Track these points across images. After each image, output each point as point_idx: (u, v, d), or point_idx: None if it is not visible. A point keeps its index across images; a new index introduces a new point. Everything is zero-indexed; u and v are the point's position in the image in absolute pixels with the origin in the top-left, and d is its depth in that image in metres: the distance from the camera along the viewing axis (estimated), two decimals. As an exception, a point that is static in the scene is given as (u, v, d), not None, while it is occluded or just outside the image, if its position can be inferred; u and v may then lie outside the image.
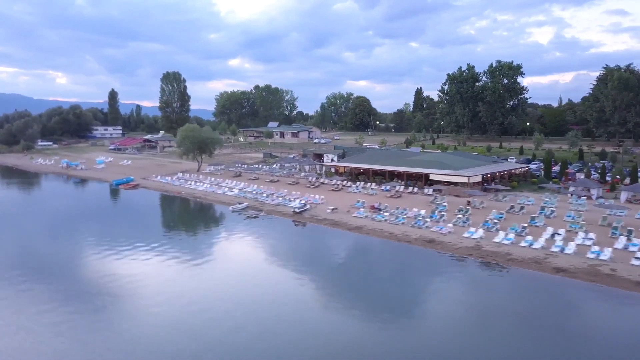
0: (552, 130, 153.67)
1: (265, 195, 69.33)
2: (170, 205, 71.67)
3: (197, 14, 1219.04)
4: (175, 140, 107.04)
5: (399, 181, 72.41)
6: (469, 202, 58.54)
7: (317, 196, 65.71)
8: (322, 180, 77.42)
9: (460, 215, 53.50)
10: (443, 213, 54.91)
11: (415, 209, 56.59)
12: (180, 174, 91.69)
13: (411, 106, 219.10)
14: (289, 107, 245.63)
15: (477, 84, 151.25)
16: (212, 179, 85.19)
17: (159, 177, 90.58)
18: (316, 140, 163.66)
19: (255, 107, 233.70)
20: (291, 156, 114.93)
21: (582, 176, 77.72)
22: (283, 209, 61.52)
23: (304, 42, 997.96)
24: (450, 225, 49.91)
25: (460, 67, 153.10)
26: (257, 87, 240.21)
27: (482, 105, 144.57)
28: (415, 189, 67.98)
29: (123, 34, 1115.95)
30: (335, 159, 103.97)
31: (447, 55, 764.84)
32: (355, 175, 78.85)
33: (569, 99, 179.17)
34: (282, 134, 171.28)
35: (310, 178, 77.16)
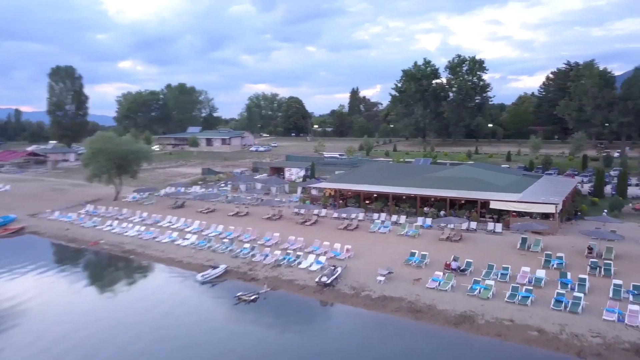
0: (515, 132, 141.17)
1: (247, 245, 43.25)
2: (82, 277, 43.05)
3: (82, 12, 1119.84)
4: (81, 156, 75.40)
5: (436, 210, 49.99)
6: (590, 249, 37.41)
7: (337, 245, 41.13)
8: (321, 212, 52.62)
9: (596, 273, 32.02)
10: (564, 272, 33.15)
11: (526, 269, 34.33)
12: (89, 207, 61.88)
13: (346, 107, 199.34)
14: (207, 109, 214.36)
15: (435, 81, 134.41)
16: (143, 214, 56.82)
17: (56, 212, 60.15)
18: (252, 148, 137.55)
19: (168, 109, 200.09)
20: (238, 171, 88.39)
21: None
22: (294, 275, 36.35)
23: (199, 45, 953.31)
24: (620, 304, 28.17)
25: (415, 62, 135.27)
26: (169, 86, 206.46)
27: (446, 105, 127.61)
28: (473, 225, 45.73)
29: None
30: (302, 173, 79.55)
31: (342, 59, 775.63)
32: (363, 202, 55.04)
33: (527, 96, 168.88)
34: (209, 141, 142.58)
35: (304, 210, 51.94)
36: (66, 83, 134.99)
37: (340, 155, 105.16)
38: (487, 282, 32.42)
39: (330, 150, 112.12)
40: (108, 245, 47.22)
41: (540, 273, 33.55)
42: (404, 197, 52.46)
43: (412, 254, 38.29)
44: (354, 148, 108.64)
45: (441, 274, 34.14)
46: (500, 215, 47.82)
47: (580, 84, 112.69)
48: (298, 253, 39.93)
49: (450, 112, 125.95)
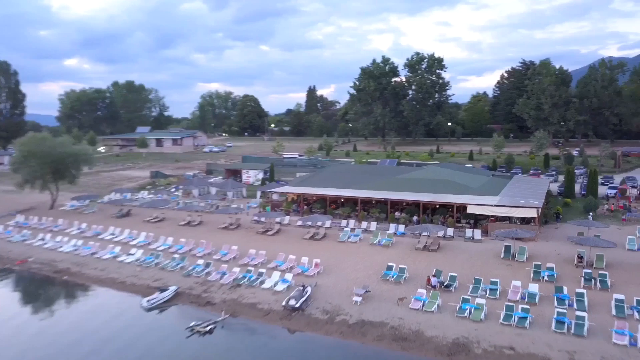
0: (473, 131, 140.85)
1: (200, 261, 37.88)
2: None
3: (22, 7, 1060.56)
4: (10, 159, 67.37)
5: (408, 216, 46.25)
6: (580, 257, 34.42)
7: (304, 259, 36.47)
8: (284, 220, 47.76)
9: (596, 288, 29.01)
10: (560, 286, 29.90)
11: (517, 283, 30.79)
12: (20, 217, 54.57)
13: (303, 106, 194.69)
14: (157, 108, 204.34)
15: (394, 79, 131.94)
16: (82, 225, 50.26)
17: (-21, 225, 52.63)
18: (206, 149, 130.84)
19: (115, 108, 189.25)
20: (190, 174, 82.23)
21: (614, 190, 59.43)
22: (256, 298, 31.44)
23: (150, 43, 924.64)
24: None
25: (374, 60, 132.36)
26: (115, 84, 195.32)
27: (406, 104, 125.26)
28: (450, 232, 42.12)
29: None
30: (261, 176, 74.49)
31: (296, 59, 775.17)
32: (330, 207, 50.62)
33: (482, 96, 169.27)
34: (159, 142, 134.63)
35: (265, 218, 46.87)
36: (0, 80, 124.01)
37: (300, 155, 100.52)
38: (478, 300, 28.65)
39: (289, 151, 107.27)
40: (37, 264, 40.71)
41: (533, 287, 30.15)
42: (374, 202, 48.40)
43: (389, 268, 34.17)
44: (314, 148, 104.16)
45: (425, 291, 30.13)
46: (476, 220, 44.65)
47: (538, 82, 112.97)
48: (260, 270, 34.99)
49: (410, 110, 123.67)
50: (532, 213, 41.21)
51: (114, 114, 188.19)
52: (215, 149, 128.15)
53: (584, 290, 29.23)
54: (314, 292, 31.17)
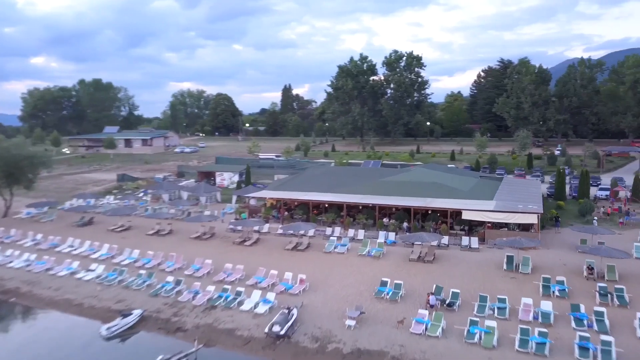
0: (452, 130, 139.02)
1: (170, 278, 33.52)
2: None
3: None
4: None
5: (398, 222, 42.87)
6: (590, 269, 31.49)
7: (288, 274, 32.56)
8: (263, 228, 43.73)
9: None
10: (576, 304, 26.87)
11: (527, 300, 27.55)
12: (-33, 227, 49.02)
13: (279, 105, 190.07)
14: (126, 107, 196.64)
15: (372, 77, 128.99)
16: (37, 235, 45.18)
17: None
18: (177, 150, 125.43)
19: (81, 107, 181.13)
20: (160, 177, 77.26)
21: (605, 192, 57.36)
22: (234, 322, 27.41)
23: (120, 41, 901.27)
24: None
25: (352, 58, 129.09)
26: (82, 82, 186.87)
27: (384, 103, 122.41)
28: (445, 241, 38.77)
29: None
30: (236, 178, 70.17)
31: (270, 58, 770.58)
32: (313, 213, 46.76)
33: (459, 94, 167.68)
34: (128, 142, 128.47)
35: (243, 226, 42.70)
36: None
37: (277, 156, 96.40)
38: (487, 322, 25.27)
39: (266, 151, 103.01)
40: (-18, 283, 35.68)
41: (546, 305, 26.96)
42: (361, 207, 44.83)
43: (383, 284, 30.60)
44: (292, 148, 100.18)
45: (426, 312, 26.63)
46: (470, 227, 41.58)
47: (518, 80, 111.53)
48: (238, 288, 30.92)
49: (389, 109, 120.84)
50: (532, 219, 38.29)
51: (80, 114, 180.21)
52: (187, 150, 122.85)
53: (603, 309, 26.21)
54: (300, 315, 27.34)
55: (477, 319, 25.78)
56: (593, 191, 57.96)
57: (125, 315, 28.13)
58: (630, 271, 31.86)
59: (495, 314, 26.82)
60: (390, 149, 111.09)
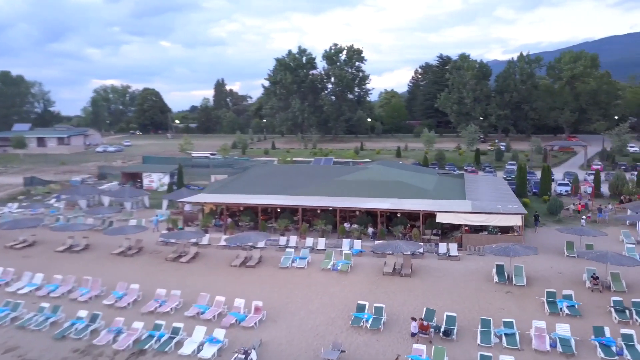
0: (392, 127, 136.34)
1: (83, 312, 25.55)
2: None
3: None
4: None
5: (362, 227, 37.17)
6: (595, 278, 27.14)
7: (239, 301, 25.68)
8: (202, 240, 36.37)
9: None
10: (600, 327, 22.31)
11: (539, 324, 22.56)
12: None
13: (211, 101, 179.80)
14: (41, 104, 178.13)
15: (312, 72, 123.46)
16: None
17: None
18: (99, 149, 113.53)
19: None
20: (78, 179, 67.17)
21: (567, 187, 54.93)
22: (170, 375, 20.38)
23: (36, 35, 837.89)
24: None
25: (290, 51, 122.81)
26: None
27: (325, 98, 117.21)
28: (420, 249, 33.24)
29: None
30: (167, 180, 61.88)
31: (199, 56, 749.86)
32: (262, 220, 39.84)
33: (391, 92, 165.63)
34: (41, 141, 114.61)
35: (177, 239, 35.21)
36: None
37: (212, 154, 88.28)
38: (503, 358, 19.94)
39: (199, 149, 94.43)
40: None
41: (563, 329, 22.10)
42: (319, 211, 38.63)
43: (360, 308, 24.63)
44: (228, 146, 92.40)
45: (424, 347, 20.89)
46: (442, 231, 36.71)
47: (459, 75, 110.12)
48: (175, 323, 23.68)
49: (330, 105, 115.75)
50: (516, 220, 33.87)
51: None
52: (111, 149, 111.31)
53: (632, 331, 21.70)
54: (261, 358, 20.77)
55: (489, 354, 20.39)
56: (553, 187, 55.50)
57: (14, 375, 20.23)
58: (633, 278, 27.94)
59: (504, 344, 21.64)
60: (332, 146, 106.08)
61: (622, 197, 48.97)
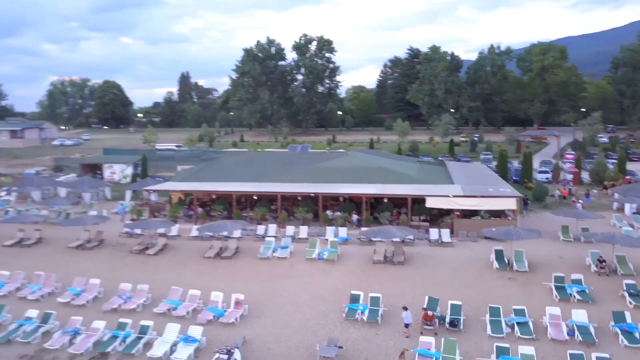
0: (362, 120, 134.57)
1: (33, 312, 22.00)
2: None
3: None
4: None
5: (346, 214, 34.59)
6: (601, 262, 25.32)
7: (216, 294, 22.67)
8: (170, 231, 32.95)
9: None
10: (620, 312, 20.47)
11: (553, 310, 20.46)
12: None
13: (175, 95, 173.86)
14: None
15: (281, 62, 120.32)
16: None
17: None
18: (56, 142, 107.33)
19: None
20: (32, 172, 62.14)
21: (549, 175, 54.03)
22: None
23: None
24: None
25: (258, 41, 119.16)
26: None
27: (295, 90, 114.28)
28: (411, 236, 30.71)
29: None
30: (130, 171, 57.80)
31: (162, 53, 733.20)
32: (236, 209, 36.59)
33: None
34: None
35: (143, 229, 31.78)
36: None
37: (177, 146, 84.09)
38: (523, 350, 17.64)
39: (163, 142, 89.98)
40: None
41: (579, 316, 20.12)
42: (299, 198, 35.79)
43: (355, 299, 22.06)
44: (195, 138, 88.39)
45: (432, 340, 18.41)
46: (431, 217, 34.53)
47: (430, 67, 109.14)
48: (143, 321, 20.50)
49: (301, 97, 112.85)
50: (510, 204, 31.95)
51: None
52: (69, 142, 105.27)
53: (655, 316, 19.89)
54: (246, 358, 17.87)
55: (505, 344, 18.10)
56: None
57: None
58: (637, 259, 26.32)
59: (518, 333, 19.45)
60: (303, 139, 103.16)
61: (605, 183, 48.16)
